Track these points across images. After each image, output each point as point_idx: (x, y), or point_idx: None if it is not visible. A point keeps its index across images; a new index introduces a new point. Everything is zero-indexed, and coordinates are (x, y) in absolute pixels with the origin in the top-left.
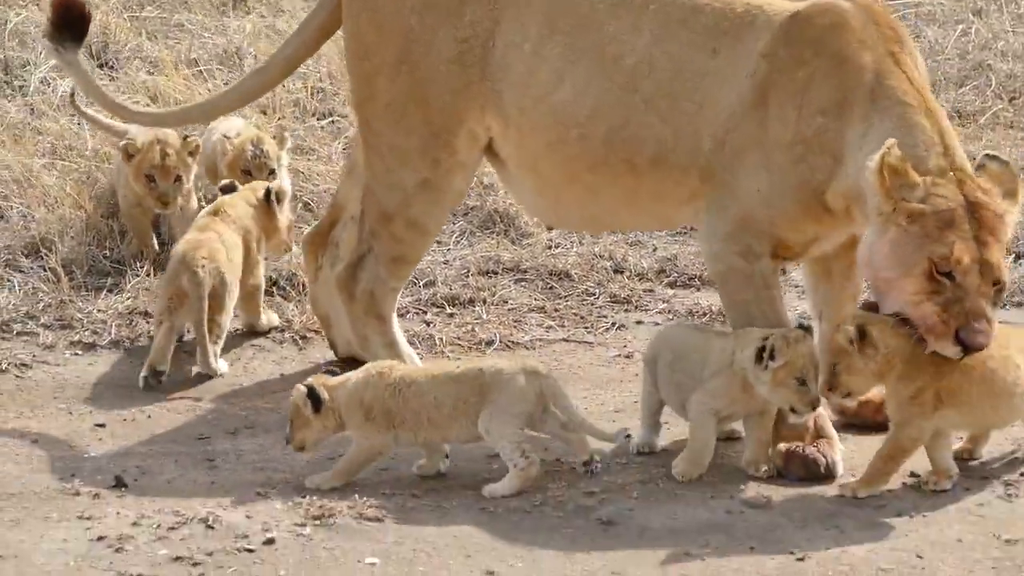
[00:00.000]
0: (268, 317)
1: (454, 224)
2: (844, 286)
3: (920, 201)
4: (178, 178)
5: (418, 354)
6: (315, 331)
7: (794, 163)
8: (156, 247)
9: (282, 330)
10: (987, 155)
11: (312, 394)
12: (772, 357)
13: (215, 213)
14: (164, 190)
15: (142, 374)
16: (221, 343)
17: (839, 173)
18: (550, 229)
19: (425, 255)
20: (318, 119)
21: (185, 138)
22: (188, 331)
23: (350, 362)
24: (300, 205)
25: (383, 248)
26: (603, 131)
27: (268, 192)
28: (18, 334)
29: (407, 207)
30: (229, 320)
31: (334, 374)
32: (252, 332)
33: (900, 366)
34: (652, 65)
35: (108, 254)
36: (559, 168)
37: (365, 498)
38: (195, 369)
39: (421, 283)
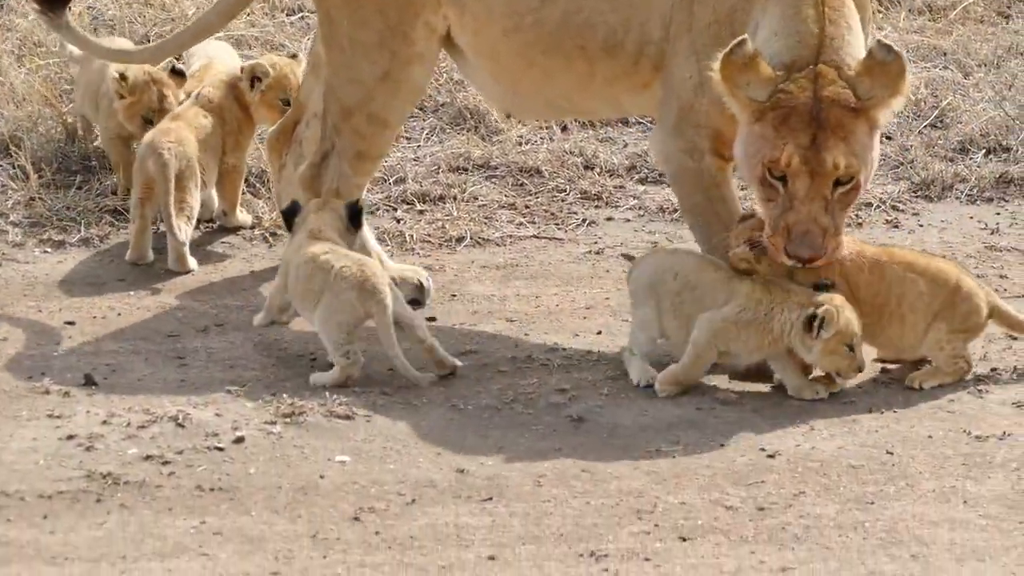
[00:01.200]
0: (242, 216)
1: (424, 121)
2: None
3: (767, 99)
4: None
5: (388, 251)
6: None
7: (714, 45)
8: None
9: (252, 227)
10: (877, 43)
11: None
12: (823, 327)
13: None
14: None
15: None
16: (191, 226)
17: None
18: (509, 117)
19: (389, 150)
20: (287, 15)
21: (172, 68)
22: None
23: None
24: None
25: (346, 144)
26: (557, 16)
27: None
28: None
29: (368, 101)
30: (198, 203)
31: None
32: (223, 229)
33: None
34: None
35: (78, 151)
36: (516, 53)
37: (335, 396)
38: (166, 267)
39: (391, 180)
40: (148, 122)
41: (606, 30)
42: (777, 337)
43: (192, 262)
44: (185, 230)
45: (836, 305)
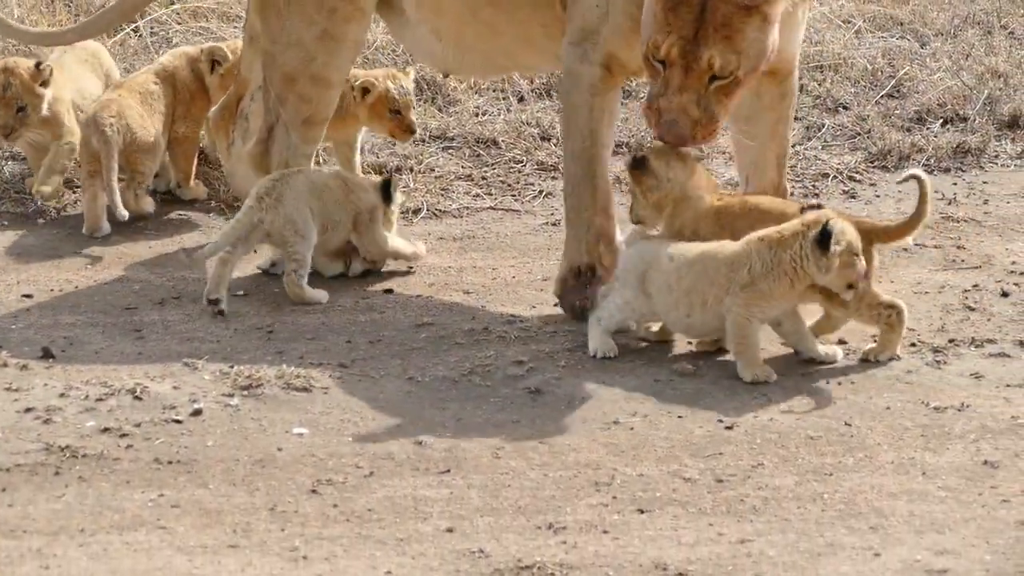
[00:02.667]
0: (197, 188)
1: None
2: (768, 147)
3: None
4: (21, 108)
5: None
6: (240, 203)
7: None
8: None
9: (208, 199)
10: None
11: None
12: (836, 241)
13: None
14: (4, 121)
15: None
16: (145, 186)
17: None
18: (446, 76)
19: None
20: None
21: (37, 65)
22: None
23: None
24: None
25: (291, 112)
26: None
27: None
28: None
29: (309, 62)
30: (153, 168)
31: None
32: (179, 200)
33: (671, 203)
34: None
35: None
36: (461, 5)
37: (292, 368)
38: (124, 243)
39: None
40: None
41: None
42: (796, 272)
43: (149, 203)
44: (141, 201)
45: (832, 216)
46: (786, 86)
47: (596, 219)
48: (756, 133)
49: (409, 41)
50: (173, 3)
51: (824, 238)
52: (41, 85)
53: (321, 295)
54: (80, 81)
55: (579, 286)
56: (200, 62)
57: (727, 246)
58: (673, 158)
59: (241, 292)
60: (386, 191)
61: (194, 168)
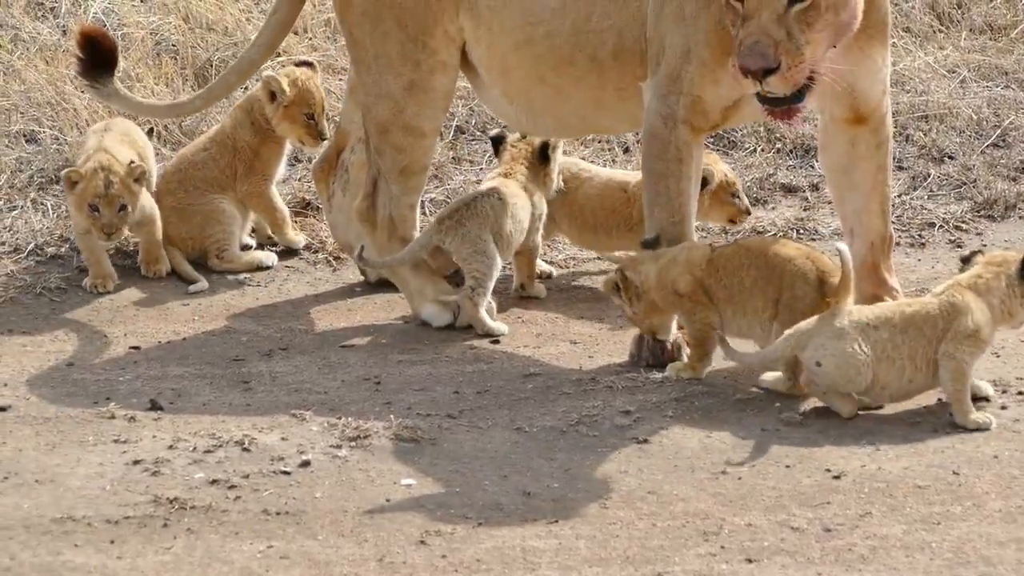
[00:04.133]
0: (295, 236)
1: None
2: (871, 197)
3: None
4: (122, 207)
5: None
6: (344, 255)
7: (704, 6)
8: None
9: (316, 251)
10: None
11: None
12: None
13: None
14: (108, 220)
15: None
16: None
17: None
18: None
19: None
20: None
21: (130, 164)
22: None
23: (381, 286)
24: (332, 125)
25: (388, 163)
26: (568, 26)
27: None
28: (52, 257)
29: (400, 112)
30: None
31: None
32: (288, 253)
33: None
34: None
35: None
36: (527, 69)
37: (400, 419)
38: (230, 292)
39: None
40: (95, 209)
41: (615, 34)
42: (1003, 314)
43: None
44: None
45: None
46: (880, 135)
47: None
48: (856, 183)
49: (487, 102)
50: (279, 56)
51: None
52: (135, 182)
53: (500, 327)
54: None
55: (643, 345)
56: (253, 112)
57: (927, 303)
58: (637, 263)
59: (350, 343)
60: (544, 153)
61: (286, 216)
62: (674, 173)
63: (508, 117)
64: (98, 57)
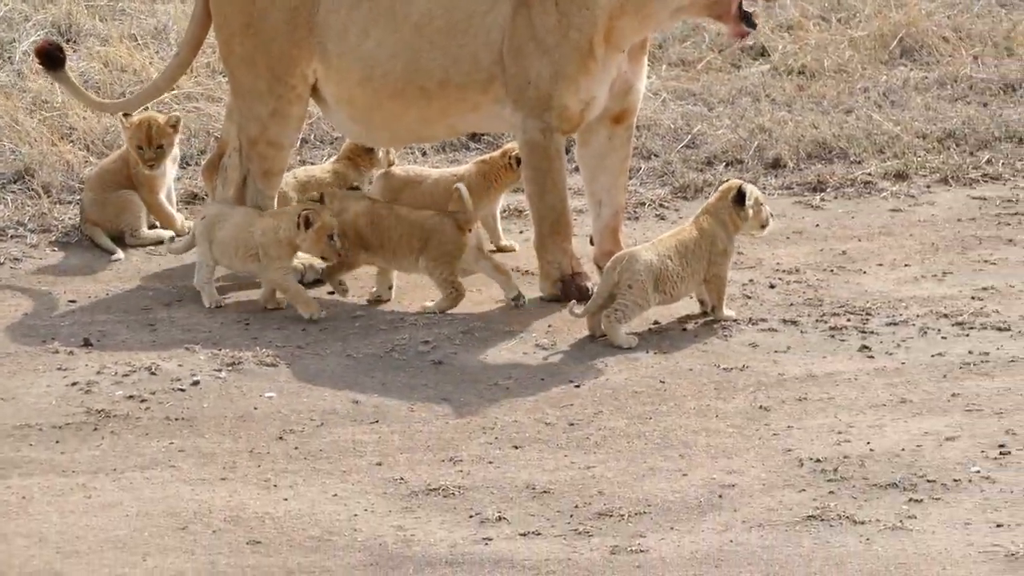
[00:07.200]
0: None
1: None
2: (620, 177)
3: None
4: (160, 146)
5: None
6: None
7: (563, 35)
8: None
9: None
10: None
11: None
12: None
13: None
14: (150, 155)
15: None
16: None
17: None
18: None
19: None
20: (224, 75)
21: (169, 117)
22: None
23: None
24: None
25: (255, 167)
26: (400, 67)
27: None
28: (11, 237)
29: (265, 131)
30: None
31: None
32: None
33: None
34: (431, 16)
35: (75, 177)
36: (369, 99)
37: (264, 349)
38: (140, 260)
39: None
40: (140, 148)
41: (440, 71)
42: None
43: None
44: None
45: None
46: (631, 131)
47: (568, 244)
48: (607, 166)
49: (333, 121)
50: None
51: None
52: (171, 129)
53: (630, 340)
54: None
55: (569, 287)
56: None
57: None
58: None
59: (229, 298)
60: (739, 200)
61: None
62: (556, 169)
63: (351, 133)
64: (52, 61)
